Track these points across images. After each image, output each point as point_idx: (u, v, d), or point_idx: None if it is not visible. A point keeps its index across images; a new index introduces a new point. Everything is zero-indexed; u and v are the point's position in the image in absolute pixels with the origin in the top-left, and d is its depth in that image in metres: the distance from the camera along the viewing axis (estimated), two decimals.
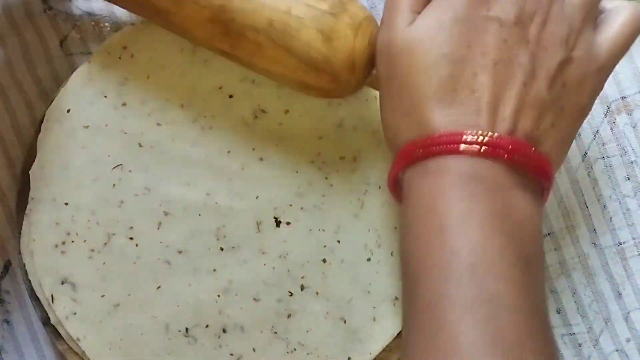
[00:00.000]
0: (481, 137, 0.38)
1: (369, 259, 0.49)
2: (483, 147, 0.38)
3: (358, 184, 0.49)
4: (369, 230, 0.49)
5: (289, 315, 0.48)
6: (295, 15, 0.43)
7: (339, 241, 0.49)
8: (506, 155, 0.38)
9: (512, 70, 0.39)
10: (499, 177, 0.39)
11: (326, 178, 0.49)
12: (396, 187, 0.42)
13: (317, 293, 0.48)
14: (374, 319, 0.48)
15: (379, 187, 0.49)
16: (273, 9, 0.43)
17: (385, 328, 0.48)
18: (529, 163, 0.39)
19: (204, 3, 0.43)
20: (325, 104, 0.49)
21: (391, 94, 0.41)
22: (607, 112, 0.52)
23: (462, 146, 0.38)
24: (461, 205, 0.38)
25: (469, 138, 0.38)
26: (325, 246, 0.48)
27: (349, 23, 0.43)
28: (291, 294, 0.48)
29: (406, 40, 0.40)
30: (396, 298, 0.48)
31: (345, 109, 0.49)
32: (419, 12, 0.41)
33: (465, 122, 0.39)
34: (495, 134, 0.39)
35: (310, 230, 0.48)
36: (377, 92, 0.48)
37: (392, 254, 0.49)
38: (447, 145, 0.39)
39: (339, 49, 0.43)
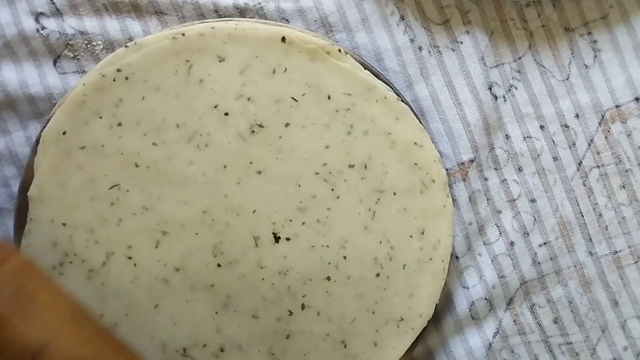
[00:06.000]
0: None
1: (378, 274, 0.48)
2: None
3: (369, 193, 0.48)
4: (380, 242, 0.48)
5: (288, 336, 0.48)
6: None
7: (345, 257, 0.48)
8: None
9: None
10: None
11: (332, 190, 0.48)
12: None
13: (318, 313, 0.48)
14: (375, 344, 0.48)
15: (394, 194, 0.48)
16: None
17: (385, 355, 0.48)
18: None
19: None
20: (332, 110, 0.48)
21: None
22: (601, 120, 0.52)
23: None
24: None
25: None
26: (329, 263, 0.48)
27: None
28: (291, 313, 0.48)
29: None
30: (401, 319, 0.48)
31: (355, 113, 0.48)
32: None
33: None
34: None
35: (313, 246, 0.48)
36: (387, 92, 0.48)
37: (404, 267, 0.48)
38: None
39: None
